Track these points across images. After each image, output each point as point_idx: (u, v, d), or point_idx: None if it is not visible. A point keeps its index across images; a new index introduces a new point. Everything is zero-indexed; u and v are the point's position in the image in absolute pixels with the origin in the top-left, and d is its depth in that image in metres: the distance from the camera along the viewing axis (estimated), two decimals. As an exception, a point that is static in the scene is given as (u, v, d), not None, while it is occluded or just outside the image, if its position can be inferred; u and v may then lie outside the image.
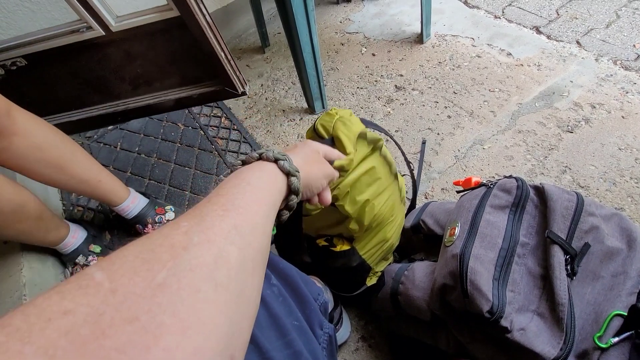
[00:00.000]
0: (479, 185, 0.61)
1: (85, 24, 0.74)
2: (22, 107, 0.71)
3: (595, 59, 1.14)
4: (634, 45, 1.15)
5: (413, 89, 1.20)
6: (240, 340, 0.19)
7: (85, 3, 0.70)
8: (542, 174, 0.93)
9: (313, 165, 0.39)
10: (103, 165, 1.16)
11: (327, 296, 0.73)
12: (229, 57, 0.84)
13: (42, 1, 0.97)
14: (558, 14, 1.30)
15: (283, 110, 1.24)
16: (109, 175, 0.85)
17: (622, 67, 1.10)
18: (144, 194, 0.97)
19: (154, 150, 1.19)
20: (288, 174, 0.32)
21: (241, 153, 1.14)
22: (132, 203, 0.91)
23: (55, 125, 0.94)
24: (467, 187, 0.63)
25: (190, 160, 1.14)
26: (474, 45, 1.27)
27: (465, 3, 1.42)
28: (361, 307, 0.79)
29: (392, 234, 0.70)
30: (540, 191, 0.54)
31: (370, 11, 1.49)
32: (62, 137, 0.75)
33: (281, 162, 0.32)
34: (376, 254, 0.69)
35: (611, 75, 1.09)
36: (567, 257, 0.47)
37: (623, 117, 0.99)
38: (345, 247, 0.68)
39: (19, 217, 0.71)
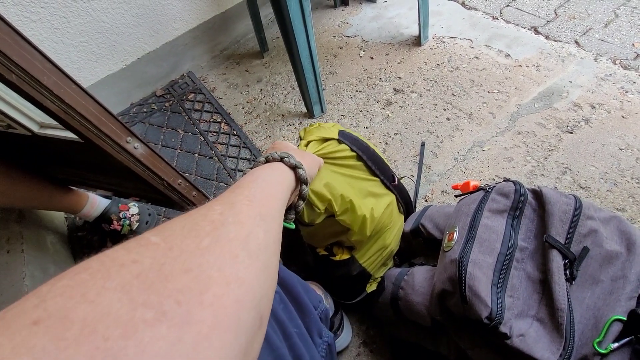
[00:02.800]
0: (478, 189, 0.61)
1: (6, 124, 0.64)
2: None
3: (594, 59, 1.13)
4: (633, 44, 1.15)
5: (412, 92, 1.20)
6: (267, 304, 0.22)
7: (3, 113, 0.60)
8: (542, 175, 0.93)
9: (305, 157, 0.45)
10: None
11: (328, 303, 0.73)
12: (176, 183, 0.71)
13: None
14: (556, 14, 1.30)
15: (282, 115, 1.24)
16: (60, 191, 0.85)
17: (622, 67, 1.09)
18: (105, 196, 0.98)
19: (155, 157, 1.19)
20: (295, 168, 0.38)
21: (241, 158, 1.14)
22: (92, 207, 0.93)
23: None
24: (466, 191, 0.63)
25: (191, 166, 1.15)
26: (472, 47, 1.27)
27: (463, 5, 1.42)
28: (362, 312, 0.79)
29: (392, 240, 0.70)
30: (538, 195, 0.54)
31: (368, 14, 1.50)
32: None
33: (287, 159, 0.38)
34: (376, 261, 0.69)
35: (610, 74, 1.08)
36: (566, 261, 0.46)
37: (623, 116, 0.98)
38: (345, 257, 0.68)
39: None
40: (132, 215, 0.98)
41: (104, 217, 0.95)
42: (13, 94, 0.51)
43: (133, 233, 0.96)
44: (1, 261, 0.82)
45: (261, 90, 1.34)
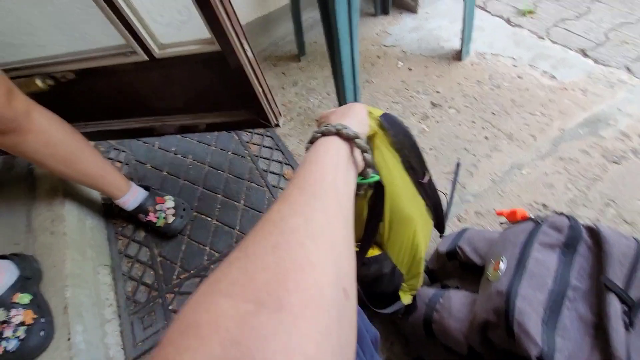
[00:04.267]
0: (526, 219, 0.60)
1: (130, 49, 0.76)
2: (64, 113, 0.78)
3: (647, 88, 1.09)
4: (690, 75, 1.09)
5: (450, 107, 1.18)
6: (346, 276, 0.24)
7: (132, 31, 0.71)
8: (584, 205, 0.90)
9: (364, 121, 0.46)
10: (141, 162, 1.21)
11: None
12: (266, 91, 0.83)
13: (93, 26, 1.02)
14: (607, 38, 1.25)
15: (316, 120, 1.24)
16: (112, 171, 0.92)
17: (676, 98, 1.05)
18: (144, 187, 1.02)
19: (190, 151, 1.22)
20: (352, 139, 0.37)
21: (273, 160, 1.15)
22: (133, 196, 0.96)
23: (96, 131, 0.99)
24: (513, 220, 0.62)
25: (224, 164, 1.17)
26: (515, 66, 1.24)
27: (508, 21, 1.39)
28: (388, 327, 0.79)
29: (417, 235, 0.67)
30: (594, 233, 0.52)
31: (408, 25, 1.48)
32: (73, 135, 0.82)
33: (344, 131, 0.37)
34: (405, 259, 0.67)
35: (663, 105, 1.04)
36: (624, 307, 0.45)
37: (675, 151, 0.94)
38: (376, 252, 0.68)
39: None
40: (168, 208, 1.00)
41: (141, 208, 0.98)
42: (143, 9, 0.71)
43: (168, 226, 0.98)
44: (45, 242, 0.86)
45: (296, 93, 1.35)
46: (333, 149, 0.35)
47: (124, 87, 0.89)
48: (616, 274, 0.47)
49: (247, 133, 1.24)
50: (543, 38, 1.31)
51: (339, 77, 1.07)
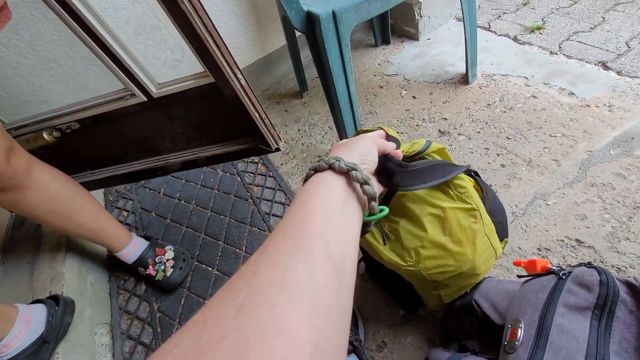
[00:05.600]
0: (547, 271, 0.50)
1: (129, 92, 0.78)
2: (70, 163, 0.78)
3: (685, 97, 0.96)
4: None
5: (459, 134, 1.10)
6: (331, 347, 0.20)
7: (129, 74, 0.74)
8: (628, 239, 0.77)
9: (360, 146, 0.39)
10: (146, 211, 1.21)
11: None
12: (263, 116, 0.84)
13: (93, 75, 1.08)
14: (629, 47, 1.15)
15: (319, 156, 1.21)
16: (113, 224, 0.91)
17: None
18: (145, 237, 1.00)
19: (194, 197, 1.21)
20: (346, 172, 0.33)
21: (275, 202, 1.11)
22: (133, 249, 0.94)
23: (103, 178, 1.01)
24: (531, 272, 0.52)
25: (226, 208, 1.14)
26: (527, 85, 1.16)
27: (515, 39, 1.33)
28: None
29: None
30: (636, 291, 0.42)
31: (410, 52, 1.45)
32: (74, 188, 0.83)
33: (336, 164, 0.33)
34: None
35: None
36: (689, 399, 0.34)
37: None
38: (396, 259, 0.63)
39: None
40: (167, 260, 0.97)
41: (141, 260, 0.96)
42: (138, 54, 0.75)
43: (167, 280, 0.95)
44: (42, 303, 0.85)
45: (299, 130, 1.33)
46: (325, 187, 0.31)
47: (126, 131, 0.91)
48: (671, 351, 0.36)
49: (250, 174, 1.22)
50: (556, 54, 1.22)
51: (337, 113, 1.04)
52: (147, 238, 1.01)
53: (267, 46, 1.42)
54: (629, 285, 0.43)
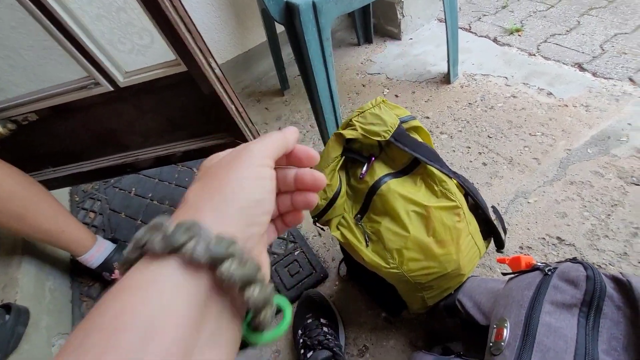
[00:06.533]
0: (532, 268, 0.48)
1: (93, 81, 0.72)
2: (29, 158, 0.71)
3: (656, 98, 0.99)
4: (703, 82, 0.99)
5: (441, 133, 1.09)
6: None
7: (93, 60, 0.68)
8: (607, 236, 0.77)
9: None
10: (115, 212, 1.14)
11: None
12: (240, 110, 0.79)
13: (56, 65, 1.00)
14: (603, 50, 1.18)
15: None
16: (74, 226, 0.84)
17: (692, 107, 0.94)
18: (113, 239, 0.94)
19: (167, 197, 1.15)
20: (213, 265, 0.17)
21: (254, 202, 1.07)
22: (98, 252, 0.88)
23: (66, 176, 0.93)
24: (516, 269, 0.50)
25: (201, 208, 1.09)
26: (507, 85, 1.16)
27: (495, 41, 1.34)
28: None
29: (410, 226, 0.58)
30: (623, 286, 0.40)
31: (393, 52, 1.44)
32: (30, 187, 0.76)
33: (190, 249, 0.17)
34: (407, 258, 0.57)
35: (679, 116, 0.93)
36: (682, 400, 0.32)
37: (703, 167, 0.82)
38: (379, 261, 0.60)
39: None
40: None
41: (107, 265, 0.89)
42: (102, 39, 0.68)
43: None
44: (-9, 313, 0.77)
45: (279, 128, 1.28)
46: (159, 295, 0.16)
47: (91, 123, 0.85)
48: (662, 348, 0.34)
49: (227, 174, 1.17)
50: (534, 55, 1.24)
51: (319, 110, 1.01)
52: (114, 241, 0.94)
53: (247, 42, 1.38)
54: (615, 280, 0.42)
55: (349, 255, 0.72)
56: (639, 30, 1.19)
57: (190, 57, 0.67)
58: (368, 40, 1.52)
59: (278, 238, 0.95)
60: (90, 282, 0.97)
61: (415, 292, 0.60)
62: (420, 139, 0.61)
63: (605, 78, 1.09)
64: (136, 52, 0.85)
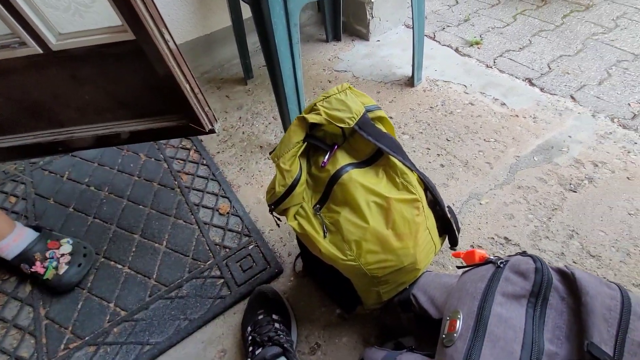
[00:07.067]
0: (485, 261, 0.48)
1: (17, 39, 0.62)
2: None
3: (592, 115, 1.09)
4: (629, 104, 1.11)
5: (403, 133, 1.11)
6: None
7: (18, 15, 0.58)
8: (547, 237, 0.82)
9: None
10: (43, 197, 1.00)
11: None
12: (196, 90, 0.72)
13: None
14: (550, 68, 1.28)
15: (260, 147, 1.12)
16: None
17: (620, 125, 1.05)
18: (36, 227, 0.83)
19: (107, 183, 1.03)
20: None
21: (207, 192, 0.99)
22: (15, 241, 0.77)
23: None
24: (470, 262, 0.51)
25: (147, 197, 0.99)
26: (466, 93, 1.22)
27: (457, 51, 1.40)
28: None
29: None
30: (568, 279, 0.41)
31: (361, 51, 1.45)
32: None
33: None
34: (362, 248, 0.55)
35: (610, 132, 1.03)
36: (619, 385, 0.33)
37: (628, 178, 0.91)
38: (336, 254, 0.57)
39: None
40: (62, 255, 0.80)
41: (25, 255, 0.77)
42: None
43: (59, 279, 0.78)
44: None
45: (240, 118, 1.23)
46: None
47: (14, 91, 0.73)
48: (602, 336, 0.35)
49: (179, 161, 1.08)
50: (491, 67, 1.31)
51: (282, 99, 0.97)
52: (37, 229, 0.82)
53: (210, 24, 1.30)
54: (561, 272, 0.43)
55: (305, 250, 0.69)
56: (579, 54, 1.31)
57: (140, 24, 0.60)
58: (337, 38, 1.51)
59: (231, 231, 0.89)
60: (5, 276, 0.84)
61: (371, 286, 0.58)
62: (384, 130, 0.60)
63: (551, 94, 1.18)
64: (74, 11, 0.75)
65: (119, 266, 0.85)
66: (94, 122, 0.81)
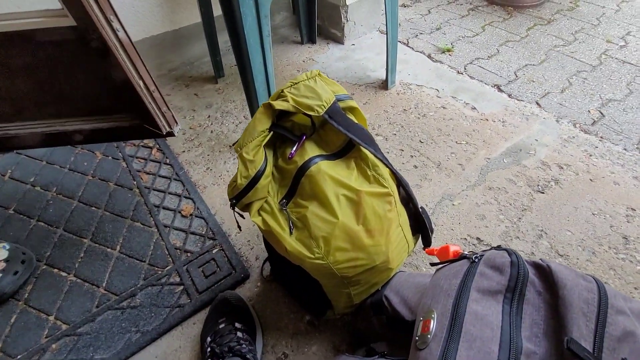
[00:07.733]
0: (460, 257, 0.46)
1: None
2: None
3: (556, 120, 1.12)
4: (589, 111, 1.16)
5: (377, 134, 1.10)
6: None
7: None
8: (518, 237, 0.82)
9: None
10: (-23, 197, 0.89)
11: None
12: (152, 88, 0.66)
13: None
14: (516, 76, 1.32)
15: (230, 146, 1.07)
16: None
17: (582, 130, 1.09)
18: None
19: (55, 183, 0.93)
20: None
21: (169, 193, 0.92)
22: None
23: None
24: (444, 258, 0.48)
25: (101, 198, 0.90)
26: (438, 97, 1.23)
27: (429, 57, 1.42)
28: None
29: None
30: (544, 272, 0.39)
31: (335, 54, 1.44)
32: None
33: None
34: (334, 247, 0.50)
35: (573, 137, 1.06)
36: (600, 383, 0.31)
37: (591, 179, 0.94)
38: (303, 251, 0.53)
39: None
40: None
41: None
42: None
43: (-15, 287, 0.68)
44: None
45: (209, 116, 1.17)
46: None
47: None
48: (581, 331, 0.33)
49: (140, 160, 1.01)
50: (462, 73, 1.34)
51: (252, 95, 0.92)
52: None
53: (178, 19, 1.24)
54: (536, 266, 0.41)
55: (273, 252, 0.64)
56: (543, 64, 1.37)
57: (82, 8, 0.53)
58: (311, 40, 1.50)
59: (194, 234, 0.83)
60: None
61: (341, 287, 0.54)
62: (356, 121, 0.58)
63: (518, 100, 1.22)
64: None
65: (63, 274, 0.75)
66: (32, 118, 0.72)
